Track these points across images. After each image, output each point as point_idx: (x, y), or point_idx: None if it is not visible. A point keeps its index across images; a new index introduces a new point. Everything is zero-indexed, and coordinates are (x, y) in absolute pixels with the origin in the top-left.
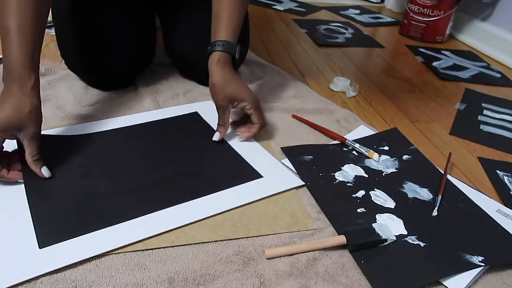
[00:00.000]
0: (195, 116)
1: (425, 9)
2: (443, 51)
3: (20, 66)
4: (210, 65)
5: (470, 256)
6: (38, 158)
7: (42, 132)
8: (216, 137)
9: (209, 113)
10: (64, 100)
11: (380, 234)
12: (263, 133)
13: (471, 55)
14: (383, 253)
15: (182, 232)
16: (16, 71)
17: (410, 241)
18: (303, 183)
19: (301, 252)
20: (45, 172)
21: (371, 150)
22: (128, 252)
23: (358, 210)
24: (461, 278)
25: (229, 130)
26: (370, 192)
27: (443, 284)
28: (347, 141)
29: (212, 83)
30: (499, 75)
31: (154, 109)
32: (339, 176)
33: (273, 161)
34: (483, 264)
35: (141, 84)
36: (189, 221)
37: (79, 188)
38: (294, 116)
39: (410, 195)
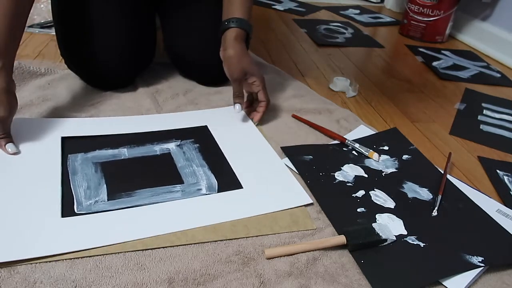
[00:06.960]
0: (204, 131)
1: (425, 9)
2: (443, 51)
3: None
4: (226, 40)
5: (470, 256)
6: (4, 137)
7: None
8: (237, 109)
9: (219, 125)
10: (64, 100)
11: (380, 234)
12: (263, 133)
13: (471, 55)
14: (383, 253)
15: (182, 232)
16: None
17: (410, 241)
18: (311, 201)
19: (301, 252)
20: (10, 148)
21: (371, 150)
22: (128, 252)
23: (358, 210)
24: (461, 278)
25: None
26: (370, 192)
27: (443, 284)
28: (347, 141)
29: (228, 56)
30: (499, 75)
31: (155, 109)
32: (339, 176)
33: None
34: (482, 265)
35: (141, 84)
36: (194, 226)
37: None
38: (294, 116)
39: (410, 195)
